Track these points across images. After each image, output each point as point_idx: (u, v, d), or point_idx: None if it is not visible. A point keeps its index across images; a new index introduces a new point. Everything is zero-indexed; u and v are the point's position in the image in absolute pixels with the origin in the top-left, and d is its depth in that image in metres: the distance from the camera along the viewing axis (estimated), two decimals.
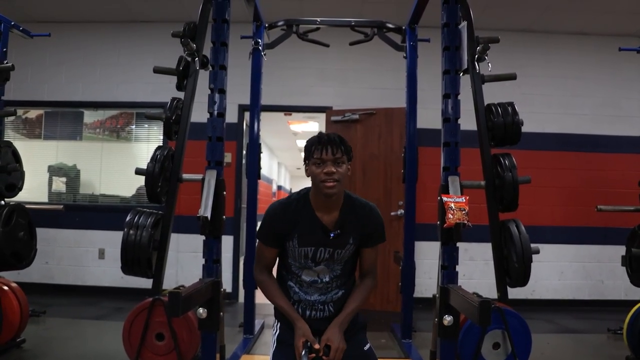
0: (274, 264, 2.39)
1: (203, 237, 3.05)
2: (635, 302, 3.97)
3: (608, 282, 6.32)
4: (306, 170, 2.28)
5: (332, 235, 2.24)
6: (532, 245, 3.07)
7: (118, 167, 6.67)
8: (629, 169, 6.23)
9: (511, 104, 3.28)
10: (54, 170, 6.75)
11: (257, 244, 2.41)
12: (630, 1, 5.67)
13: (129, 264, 3.15)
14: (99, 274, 6.35)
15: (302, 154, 2.31)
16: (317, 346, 2.12)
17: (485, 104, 3.29)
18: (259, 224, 2.46)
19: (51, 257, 6.31)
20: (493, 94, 3.56)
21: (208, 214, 2.83)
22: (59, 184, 6.76)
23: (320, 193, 2.20)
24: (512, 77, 3.40)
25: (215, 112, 3.06)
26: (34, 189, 6.41)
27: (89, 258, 6.38)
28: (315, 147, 2.20)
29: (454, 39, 3.07)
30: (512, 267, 3.08)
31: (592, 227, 6.31)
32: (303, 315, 2.30)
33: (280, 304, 2.29)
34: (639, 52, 4.64)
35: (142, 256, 3.12)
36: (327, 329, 2.20)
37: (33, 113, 6.78)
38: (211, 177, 2.96)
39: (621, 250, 4.13)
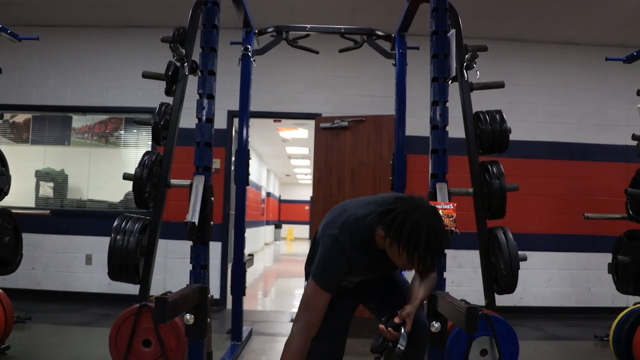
0: (321, 321, 2.06)
1: (191, 243, 3.04)
2: (621, 309, 3.99)
3: (595, 290, 6.36)
4: (382, 238, 1.98)
5: (402, 273, 2.20)
6: (520, 252, 3.09)
7: (106, 172, 6.65)
8: (615, 177, 6.28)
9: (499, 112, 3.30)
10: (42, 175, 6.70)
11: (309, 291, 2.08)
12: (615, 13, 5.76)
13: (116, 270, 3.14)
14: (86, 280, 6.30)
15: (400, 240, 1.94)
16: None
17: (474, 111, 3.31)
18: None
19: (37, 262, 6.25)
20: (481, 102, 3.58)
21: (195, 220, 2.82)
22: (47, 189, 6.72)
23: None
24: (500, 85, 3.42)
25: (204, 118, 3.05)
26: (21, 194, 6.36)
27: (76, 264, 6.33)
28: (420, 254, 1.91)
29: (443, 47, 3.08)
30: (500, 275, 3.09)
31: (580, 235, 6.36)
32: None
33: None
34: (625, 62, 4.69)
35: (130, 262, 3.10)
36: (404, 308, 2.10)
37: (21, 117, 6.74)
38: (199, 183, 2.95)
39: (608, 257, 4.16)
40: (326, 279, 2.04)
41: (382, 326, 2.05)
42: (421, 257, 1.92)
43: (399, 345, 2.00)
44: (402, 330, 2.02)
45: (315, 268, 2.08)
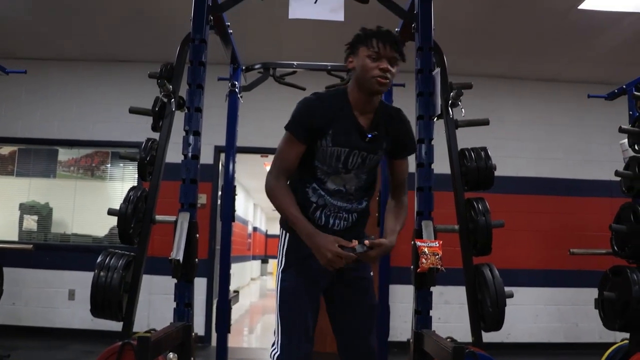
0: (295, 170, 2.25)
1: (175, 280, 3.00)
2: (609, 345, 3.99)
3: (582, 325, 6.34)
4: (349, 62, 2.20)
5: (369, 136, 2.17)
6: (506, 289, 3.07)
7: (91, 206, 6.60)
8: (600, 212, 6.31)
9: (484, 149, 3.32)
10: (26, 209, 6.64)
11: (282, 140, 2.26)
12: (595, 53, 5.93)
13: (99, 307, 3.08)
14: (68, 316, 6.20)
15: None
16: (354, 243, 2.05)
17: (459, 148, 3.33)
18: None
19: (19, 297, 6.15)
20: (467, 137, 3.61)
21: (180, 257, 2.79)
22: (30, 222, 6.65)
23: (368, 89, 2.14)
24: (485, 122, 3.45)
25: (190, 155, 3.04)
26: (4, 227, 6.31)
27: (59, 299, 6.24)
28: (372, 39, 2.11)
29: (428, 85, 3.11)
30: (487, 312, 3.08)
31: (566, 270, 6.37)
32: (326, 223, 2.23)
33: (295, 215, 2.13)
34: (607, 99, 4.77)
35: (113, 299, 3.05)
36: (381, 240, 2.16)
37: (6, 149, 6.72)
38: (184, 220, 2.92)
39: (595, 292, 4.15)
40: (298, 125, 2.20)
41: (356, 241, 2.09)
42: (376, 42, 2.09)
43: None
44: (364, 243, 2.06)
45: (289, 119, 2.26)
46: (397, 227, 2.28)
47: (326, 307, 2.38)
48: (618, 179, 4.18)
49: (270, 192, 2.20)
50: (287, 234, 2.31)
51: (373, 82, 2.10)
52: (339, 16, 3.13)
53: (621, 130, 4.08)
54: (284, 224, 2.33)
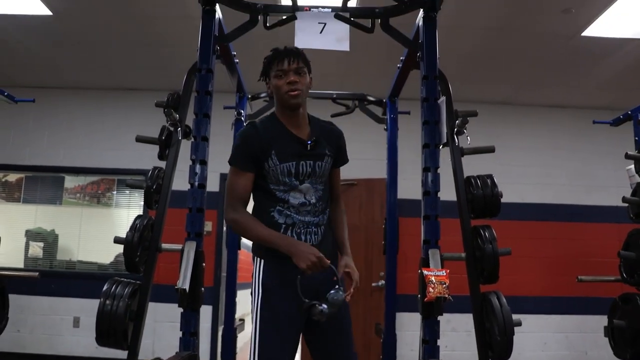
0: (249, 198, 2.34)
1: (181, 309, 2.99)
2: None
3: (592, 353, 6.25)
4: (268, 88, 2.37)
5: (309, 143, 2.29)
6: (514, 316, 3.05)
7: (97, 233, 6.60)
8: (607, 238, 6.28)
9: (490, 176, 3.31)
10: (32, 235, 6.64)
11: (229, 175, 2.37)
12: (599, 79, 5.97)
13: (104, 335, 3.06)
14: (73, 343, 6.16)
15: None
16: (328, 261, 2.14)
17: (465, 176, 3.33)
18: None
19: (23, 325, 6.12)
20: (472, 164, 3.61)
21: (186, 287, 2.79)
22: (36, 249, 6.65)
23: (286, 105, 2.28)
24: (490, 149, 3.45)
25: (196, 183, 3.06)
26: (10, 254, 6.29)
27: (64, 326, 6.21)
28: (275, 60, 2.29)
29: (433, 114, 3.13)
30: (495, 340, 3.04)
31: (574, 297, 6.31)
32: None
33: (267, 233, 2.22)
34: (612, 125, 4.77)
35: (118, 327, 3.03)
36: (341, 259, 2.31)
37: (13, 176, 6.75)
38: (190, 249, 2.92)
39: (604, 320, 4.12)
40: (239, 156, 2.31)
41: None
42: (278, 61, 2.29)
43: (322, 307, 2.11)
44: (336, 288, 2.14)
45: (231, 154, 2.36)
46: (347, 237, 2.49)
47: (304, 335, 2.38)
48: (625, 204, 4.17)
49: (236, 224, 2.30)
50: (262, 260, 2.33)
51: (286, 97, 2.27)
52: (345, 46, 3.16)
53: (627, 156, 4.08)
54: (257, 250, 2.36)
